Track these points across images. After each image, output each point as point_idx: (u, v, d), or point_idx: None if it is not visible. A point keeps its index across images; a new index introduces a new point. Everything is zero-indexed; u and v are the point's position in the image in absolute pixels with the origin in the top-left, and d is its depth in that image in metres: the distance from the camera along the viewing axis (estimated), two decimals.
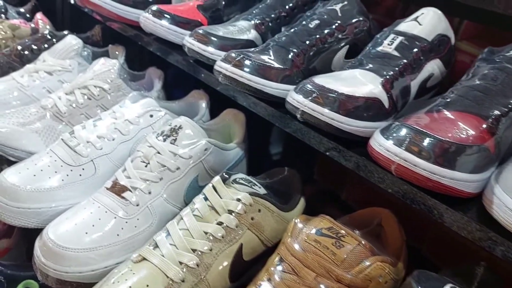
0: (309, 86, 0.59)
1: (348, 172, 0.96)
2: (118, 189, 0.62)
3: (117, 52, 1.02)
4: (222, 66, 0.67)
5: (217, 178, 0.60)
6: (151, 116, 0.75)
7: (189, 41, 0.77)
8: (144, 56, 1.12)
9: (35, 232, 0.66)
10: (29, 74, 0.89)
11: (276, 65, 0.67)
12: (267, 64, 0.66)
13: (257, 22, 0.82)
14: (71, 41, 0.93)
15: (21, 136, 0.75)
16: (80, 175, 0.68)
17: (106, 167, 0.70)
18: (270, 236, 0.59)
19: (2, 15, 1.20)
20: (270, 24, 0.83)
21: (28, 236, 0.84)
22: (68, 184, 0.67)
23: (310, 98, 0.57)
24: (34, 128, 0.76)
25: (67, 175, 0.67)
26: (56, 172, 0.67)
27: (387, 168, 0.51)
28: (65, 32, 1.06)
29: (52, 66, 0.90)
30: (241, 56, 0.66)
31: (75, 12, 1.25)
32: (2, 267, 0.66)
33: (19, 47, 1.00)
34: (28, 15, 1.26)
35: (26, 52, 1.00)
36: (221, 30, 0.80)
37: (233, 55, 0.68)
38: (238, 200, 0.57)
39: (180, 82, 1.03)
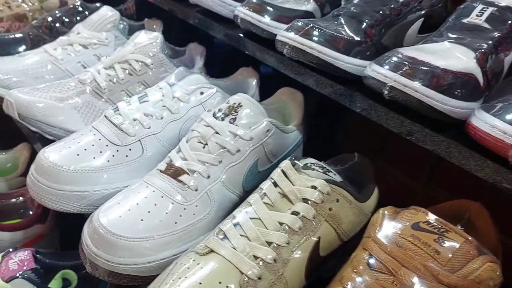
0: (396, 58, 0.51)
1: (424, 159, 0.88)
2: (173, 172, 0.55)
3: (154, 26, 0.95)
4: (288, 36, 0.60)
5: (286, 162, 0.53)
6: (202, 93, 0.68)
7: (242, 11, 0.70)
8: (182, 31, 1.04)
9: (70, 217, 0.60)
10: (63, 47, 0.82)
11: (349, 36, 0.60)
12: (340, 35, 0.59)
13: None
14: (107, 12, 0.86)
15: (59, 112, 0.68)
16: (127, 156, 0.61)
17: (154, 148, 0.64)
18: (347, 229, 0.52)
19: None
20: None
21: (63, 222, 0.78)
22: (114, 165, 0.60)
23: (400, 71, 0.49)
24: (73, 103, 0.69)
25: (113, 156, 0.61)
26: (101, 152, 0.60)
27: (501, 154, 0.43)
28: (97, 4, 0.99)
29: (88, 38, 0.83)
30: (310, 25, 0.59)
31: None
32: (40, 256, 0.60)
33: (50, 19, 0.93)
34: None
35: (57, 25, 0.93)
36: (277, 0, 0.72)
37: (300, 24, 0.60)
38: (314, 187, 0.50)
39: (222, 59, 0.96)
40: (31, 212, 0.74)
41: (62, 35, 0.91)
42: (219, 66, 0.94)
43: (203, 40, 0.95)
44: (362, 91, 0.57)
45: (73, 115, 0.69)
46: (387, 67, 0.51)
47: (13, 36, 0.90)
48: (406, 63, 0.50)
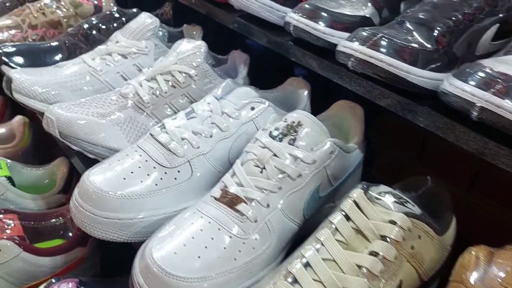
0: (484, 74, 0.45)
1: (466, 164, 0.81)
2: (229, 200, 0.50)
3: (194, 33, 0.90)
4: (353, 47, 0.54)
5: (358, 191, 0.47)
6: (253, 108, 0.63)
7: (295, 18, 0.64)
8: (222, 38, 0.99)
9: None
10: (101, 57, 0.78)
11: (421, 47, 0.53)
12: (411, 45, 0.53)
13: None
14: (146, 19, 0.81)
15: (101, 129, 0.64)
16: (175, 178, 0.57)
17: (203, 169, 0.59)
18: (428, 268, 0.46)
19: None
20: None
21: (103, 243, 0.74)
22: (162, 189, 0.56)
23: (492, 90, 0.43)
24: (115, 119, 0.65)
25: (161, 179, 0.56)
26: (148, 175, 0.56)
27: None
28: (134, 10, 0.95)
29: (127, 48, 0.78)
30: (379, 36, 0.53)
31: None
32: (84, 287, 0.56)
33: (86, 26, 0.89)
34: None
35: (94, 32, 0.89)
36: (331, 5, 0.66)
37: (365, 33, 0.54)
38: (393, 222, 0.44)
39: (266, 68, 0.90)
40: (70, 234, 0.71)
41: (98, 43, 0.88)
42: (259, 75, 0.89)
43: (241, 47, 0.90)
44: (434, 107, 0.51)
45: (115, 132, 0.65)
46: (473, 83, 0.45)
47: (48, 44, 0.87)
48: (499, 80, 0.44)
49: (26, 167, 0.77)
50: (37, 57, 0.85)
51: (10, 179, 0.71)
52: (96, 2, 1.04)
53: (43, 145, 0.89)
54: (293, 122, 0.55)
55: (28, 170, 0.76)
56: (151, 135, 0.60)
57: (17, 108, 1.01)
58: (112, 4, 1.04)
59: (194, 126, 0.60)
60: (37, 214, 0.70)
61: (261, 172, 0.52)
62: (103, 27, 0.89)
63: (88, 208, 0.53)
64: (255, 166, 0.53)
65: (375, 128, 0.95)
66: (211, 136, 0.60)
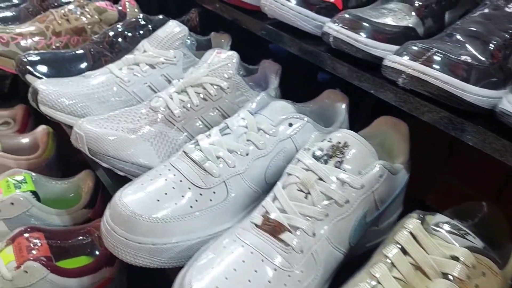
0: None
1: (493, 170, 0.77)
2: (272, 228, 0.47)
3: (222, 41, 0.87)
4: (404, 63, 0.50)
5: (413, 221, 0.44)
6: (291, 124, 0.59)
7: (335, 28, 0.60)
8: (250, 46, 0.96)
9: None
10: (129, 67, 0.76)
11: (477, 62, 0.50)
12: (466, 61, 0.49)
13: (418, 4, 0.64)
14: (175, 28, 0.78)
15: (131, 145, 0.61)
16: (211, 200, 0.54)
17: (239, 189, 0.56)
18: None
19: None
20: (433, 6, 0.65)
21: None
22: (197, 211, 0.53)
23: None
24: (146, 134, 0.62)
25: (196, 200, 0.53)
26: (182, 196, 0.53)
27: None
28: (160, 16, 0.92)
29: (155, 57, 0.76)
30: (433, 51, 0.49)
31: None
32: None
33: (111, 33, 0.86)
34: None
35: (119, 40, 0.86)
36: (373, 14, 0.62)
37: (417, 48, 0.50)
38: (455, 258, 0.40)
39: (294, 77, 0.87)
40: (97, 251, 0.68)
41: (124, 51, 0.85)
42: (287, 84, 0.86)
43: (268, 55, 0.86)
44: (487, 126, 0.48)
45: (146, 148, 0.62)
46: None
47: (73, 52, 0.84)
48: None
49: (51, 181, 0.74)
50: (62, 65, 0.82)
51: (35, 193, 0.69)
52: (120, 7, 1.01)
53: (66, 155, 0.87)
54: (339, 142, 0.51)
55: (53, 184, 0.74)
56: (185, 153, 0.57)
57: (40, 117, 0.99)
58: (136, 10, 1.02)
59: (229, 143, 0.57)
60: (64, 231, 0.67)
61: (305, 198, 0.48)
62: (129, 34, 0.87)
63: (120, 232, 0.50)
64: (298, 190, 0.49)
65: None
66: (247, 154, 0.57)
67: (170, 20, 0.81)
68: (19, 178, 0.68)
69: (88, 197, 0.74)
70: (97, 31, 0.96)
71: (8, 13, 1.01)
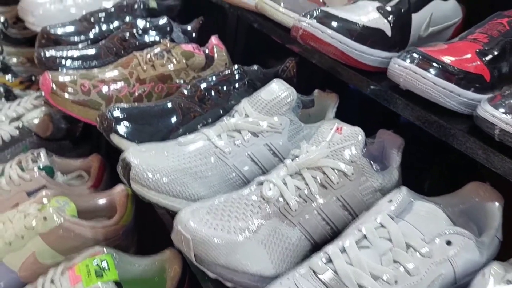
0: None
1: None
2: None
3: (329, 102, 0.75)
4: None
5: None
6: (449, 243, 0.46)
7: (503, 119, 0.47)
8: (355, 109, 0.84)
9: None
10: (229, 134, 0.65)
11: None
12: None
13: None
14: (282, 91, 0.67)
15: (243, 249, 0.50)
16: None
17: None
18: None
19: (167, 36, 0.99)
20: None
21: None
22: None
23: None
24: (259, 235, 0.51)
25: None
26: None
27: None
28: (255, 67, 0.82)
29: (259, 124, 0.65)
30: None
31: (253, 36, 1.01)
32: None
33: (203, 87, 0.77)
34: (194, 34, 1.04)
35: (212, 94, 0.76)
36: None
37: None
38: None
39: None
40: None
41: (216, 107, 0.76)
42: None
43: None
44: None
45: (259, 252, 0.51)
46: None
47: (162, 107, 0.75)
48: None
49: (134, 262, 0.65)
50: (149, 122, 0.73)
51: (118, 284, 0.59)
52: (207, 51, 0.92)
53: (145, 221, 0.78)
54: None
55: (136, 266, 0.65)
56: (313, 271, 0.45)
57: (115, 170, 0.91)
58: (225, 54, 0.92)
59: (372, 265, 0.45)
60: None
61: None
62: (224, 89, 0.77)
63: None
64: None
65: None
66: (396, 283, 0.44)
67: (275, 81, 0.70)
68: (101, 262, 0.59)
69: (174, 284, 0.64)
70: (183, 78, 0.87)
71: (88, 51, 0.94)
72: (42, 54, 0.90)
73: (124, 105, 0.75)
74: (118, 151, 0.69)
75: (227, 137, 0.65)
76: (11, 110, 1.03)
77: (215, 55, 0.91)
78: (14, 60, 1.36)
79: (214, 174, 0.63)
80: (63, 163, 0.84)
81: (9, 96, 1.12)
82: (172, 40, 0.99)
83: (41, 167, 0.78)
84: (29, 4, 1.17)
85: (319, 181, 0.56)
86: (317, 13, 0.66)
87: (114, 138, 0.71)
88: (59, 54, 0.92)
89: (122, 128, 0.71)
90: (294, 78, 0.85)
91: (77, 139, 0.96)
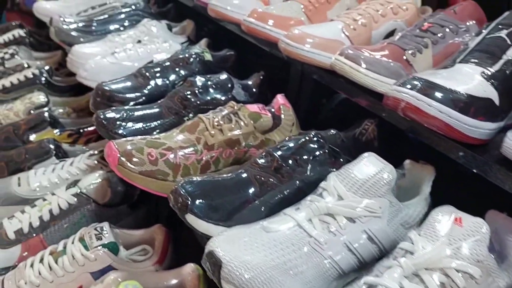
0: None
1: None
2: None
3: (424, 174, 0.67)
4: None
5: None
6: None
7: None
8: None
9: None
10: (321, 218, 0.58)
11: None
12: None
13: None
14: (380, 168, 0.60)
15: None
16: None
17: None
18: None
19: (229, 93, 0.94)
20: None
21: None
22: None
23: None
24: None
25: None
26: None
27: None
28: (332, 131, 0.76)
29: (356, 208, 0.58)
30: None
31: (319, 93, 0.96)
32: None
33: (278, 154, 0.70)
34: (254, 90, 0.99)
35: (289, 164, 0.70)
36: None
37: None
38: None
39: None
40: None
41: (294, 179, 0.69)
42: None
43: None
44: None
45: None
46: None
47: (236, 178, 0.69)
48: None
49: None
50: (225, 196, 0.67)
51: None
52: (273, 109, 0.86)
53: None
54: None
55: None
56: None
57: (178, 241, 0.85)
58: (291, 114, 0.86)
59: None
60: None
61: None
62: (304, 157, 0.70)
63: None
64: None
65: None
66: None
67: (368, 156, 0.63)
68: None
69: None
70: (251, 143, 0.81)
71: (148, 112, 0.90)
72: (102, 116, 0.86)
73: (197, 179, 0.69)
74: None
75: (319, 223, 0.58)
76: (64, 171, 0.98)
77: (282, 115, 0.85)
78: (60, 110, 1.33)
79: (309, 268, 0.55)
80: (125, 236, 0.78)
81: (59, 152, 1.08)
82: (233, 98, 0.94)
83: (106, 243, 0.72)
84: (80, 57, 1.14)
85: (443, 286, 0.48)
86: (418, 82, 0.59)
87: (190, 219, 0.64)
88: (119, 115, 0.87)
89: (198, 206, 0.65)
90: (375, 141, 0.79)
91: (134, 203, 0.91)
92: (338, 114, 0.95)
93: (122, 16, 1.35)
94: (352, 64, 0.73)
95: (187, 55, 1.05)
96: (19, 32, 1.70)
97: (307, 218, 0.59)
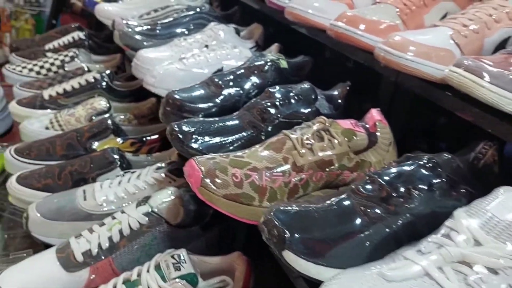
0: None
1: None
2: None
3: None
4: None
5: None
6: None
7: None
8: None
9: None
10: (455, 268, 0.48)
11: None
12: None
13: None
14: None
15: None
16: None
17: None
18: None
19: (312, 106, 0.85)
20: None
21: None
22: None
23: None
24: None
25: None
26: None
27: None
28: (447, 155, 0.65)
29: (501, 258, 0.47)
30: None
31: (415, 108, 0.85)
32: None
33: (386, 182, 0.60)
34: (340, 102, 0.89)
35: (400, 194, 0.60)
36: None
37: None
38: None
39: None
40: None
41: (404, 212, 0.59)
42: None
43: None
44: None
45: None
46: None
47: (340, 209, 0.59)
48: None
49: None
50: (326, 229, 0.58)
51: None
52: (367, 126, 0.76)
53: None
54: None
55: None
56: None
57: (261, 268, 0.76)
58: (388, 131, 0.76)
59: None
60: None
61: None
62: (418, 186, 0.60)
63: None
64: None
65: None
66: None
67: (503, 191, 0.52)
68: None
69: None
70: (346, 164, 0.72)
71: (225, 124, 0.82)
72: (177, 129, 0.79)
73: (293, 207, 0.60)
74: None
75: (453, 272, 0.48)
76: (131, 184, 0.92)
77: (378, 132, 0.75)
78: (121, 117, 1.28)
79: None
80: (203, 265, 0.71)
81: (123, 163, 1.03)
82: (316, 111, 0.85)
83: (185, 274, 0.65)
84: (147, 63, 1.08)
85: None
86: None
87: (289, 257, 0.56)
88: (194, 128, 0.80)
89: (297, 242, 0.56)
90: (495, 167, 0.67)
91: (206, 223, 0.83)
92: (438, 133, 0.84)
93: (187, 19, 1.29)
94: (474, 77, 0.63)
95: (262, 62, 0.97)
96: (78, 35, 1.67)
97: (437, 265, 0.49)
